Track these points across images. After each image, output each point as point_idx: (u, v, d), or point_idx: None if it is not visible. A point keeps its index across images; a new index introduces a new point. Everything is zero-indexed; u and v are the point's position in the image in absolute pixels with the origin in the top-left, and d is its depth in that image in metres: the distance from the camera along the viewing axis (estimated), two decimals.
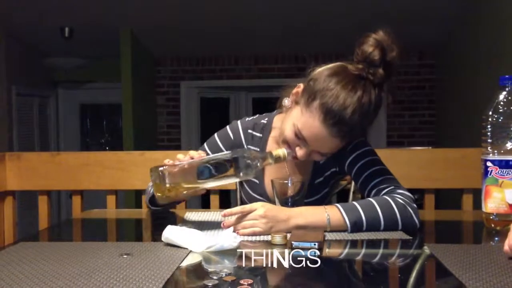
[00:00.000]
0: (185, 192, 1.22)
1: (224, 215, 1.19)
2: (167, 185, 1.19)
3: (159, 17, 4.50)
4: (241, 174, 1.17)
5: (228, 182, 1.24)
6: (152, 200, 1.47)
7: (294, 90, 1.34)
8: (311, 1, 4.15)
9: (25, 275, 0.86)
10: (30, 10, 4.28)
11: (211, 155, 1.24)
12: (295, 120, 1.27)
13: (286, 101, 1.36)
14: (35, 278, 0.84)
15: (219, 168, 1.19)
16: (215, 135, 1.53)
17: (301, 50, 5.39)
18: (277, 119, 1.50)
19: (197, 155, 1.24)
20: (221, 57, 5.64)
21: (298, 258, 0.93)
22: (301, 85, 1.32)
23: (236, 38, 5.05)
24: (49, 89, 5.79)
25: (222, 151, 1.47)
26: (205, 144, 1.53)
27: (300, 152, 1.29)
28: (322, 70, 1.29)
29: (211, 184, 1.23)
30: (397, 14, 4.29)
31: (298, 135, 1.27)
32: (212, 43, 5.19)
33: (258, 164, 1.19)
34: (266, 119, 1.52)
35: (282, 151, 1.23)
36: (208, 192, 1.79)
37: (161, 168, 1.20)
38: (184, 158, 1.24)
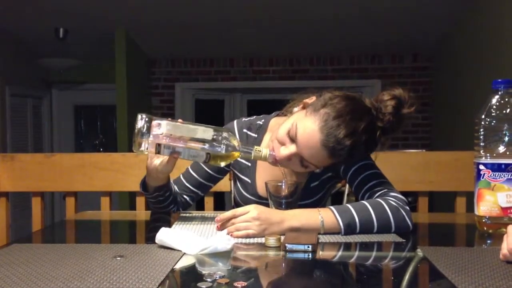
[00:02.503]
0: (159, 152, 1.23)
1: (217, 221, 1.19)
2: (144, 140, 1.20)
3: (154, 18, 4.50)
4: (217, 149, 1.19)
5: (201, 151, 1.22)
6: (144, 185, 1.47)
7: (305, 99, 1.35)
8: (305, 4, 4.15)
9: (18, 277, 0.86)
10: (25, 10, 4.27)
11: (197, 127, 1.23)
12: (296, 120, 1.28)
13: (295, 109, 1.37)
14: (28, 280, 0.84)
15: (202, 133, 1.20)
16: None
17: (296, 52, 5.41)
18: (274, 122, 1.51)
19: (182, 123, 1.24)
20: (216, 59, 5.65)
21: (292, 260, 0.93)
22: (314, 97, 1.34)
23: (231, 40, 5.05)
24: (43, 90, 5.77)
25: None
26: None
27: (284, 151, 1.28)
28: (339, 93, 1.31)
29: (188, 153, 1.22)
30: (391, 17, 4.32)
31: (291, 134, 1.27)
32: (207, 45, 5.20)
33: (238, 151, 1.21)
34: (263, 120, 1.53)
35: (265, 149, 1.24)
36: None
37: (146, 119, 1.21)
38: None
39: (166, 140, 1.21)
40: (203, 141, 1.21)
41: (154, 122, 1.22)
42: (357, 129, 1.23)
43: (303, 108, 1.33)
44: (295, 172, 1.46)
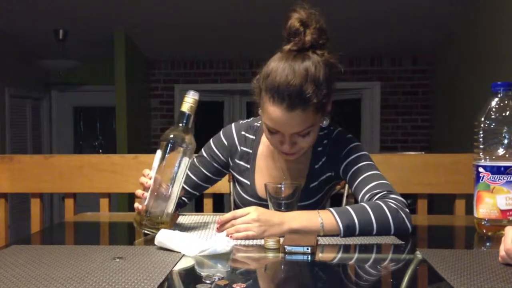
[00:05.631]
0: (168, 212, 1.22)
1: (218, 223, 1.20)
2: (148, 222, 1.19)
3: (153, 20, 4.50)
4: (183, 146, 1.20)
5: (185, 167, 1.22)
6: None
7: (255, 96, 1.36)
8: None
9: (17, 278, 0.86)
10: (24, 12, 4.27)
11: (154, 165, 1.21)
12: (262, 119, 1.31)
13: (260, 111, 1.37)
14: (27, 282, 0.84)
15: (171, 167, 1.20)
16: (211, 141, 1.55)
17: None
18: None
19: (146, 180, 1.22)
20: (216, 61, 5.65)
21: (291, 262, 0.93)
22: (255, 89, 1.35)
23: (231, 42, 5.05)
24: (42, 91, 5.77)
25: (219, 156, 1.52)
26: (202, 151, 1.55)
27: (285, 147, 1.30)
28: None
29: (176, 186, 1.21)
30: (390, 20, 4.32)
31: (271, 131, 1.29)
32: (206, 47, 5.20)
33: (184, 129, 1.22)
34: (260, 121, 1.53)
35: (188, 97, 1.22)
36: (202, 195, 1.79)
37: (138, 217, 1.20)
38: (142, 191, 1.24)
39: (158, 201, 1.20)
40: (163, 159, 1.20)
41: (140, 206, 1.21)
42: (292, 69, 1.23)
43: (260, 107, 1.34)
44: (295, 174, 1.46)
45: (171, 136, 1.21)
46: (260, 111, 1.34)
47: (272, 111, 1.25)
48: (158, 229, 1.10)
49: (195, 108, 1.24)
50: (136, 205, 1.22)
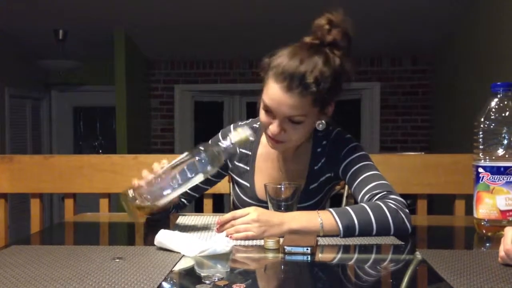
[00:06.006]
0: (159, 205, 1.23)
1: (217, 223, 1.20)
2: (136, 203, 1.20)
3: (153, 20, 4.50)
4: (208, 168, 1.19)
5: (197, 181, 1.22)
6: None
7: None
8: (305, 6, 4.16)
9: (16, 278, 0.86)
10: (24, 12, 4.27)
11: (173, 161, 1.22)
12: (262, 97, 1.32)
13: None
14: (27, 282, 0.84)
15: (186, 171, 1.19)
16: (209, 142, 1.54)
17: None
18: None
19: (159, 167, 1.24)
20: (216, 61, 5.65)
21: (291, 263, 0.93)
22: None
23: (231, 42, 5.05)
24: (42, 91, 5.77)
25: None
26: None
27: (273, 127, 1.29)
28: None
29: (180, 190, 1.22)
30: (390, 20, 4.32)
31: (265, 109, 1.30)
32: (206, 47, 5.20)
33: (222, 153, 1.20)
34: (259, 122, 1.53)
35: (242, 133, 1.23)
36: (202, 196, 1.79)
37: (129, 192, 1.21)
38: (148, 175, 1.24)
39: (154, 188, 1.21)
40: (183, 162, 1.20)
41: (137, 185, 1.22)
42: (304, 56, 1.25)
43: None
44: (294, 175, 1.46)
45: (203, 148, 1.20)
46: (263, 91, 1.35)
47: (271, 87, 1.27)
48: (131, 210, 1.15)
49: (241, 143, 1.24)
50: (135, 181, 1.24)
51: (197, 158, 1.19)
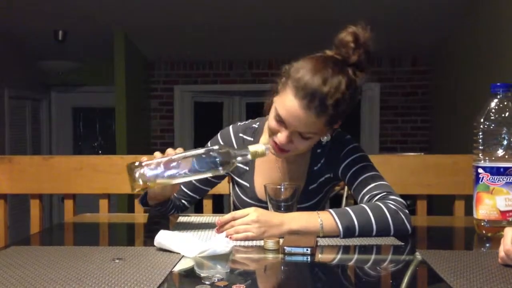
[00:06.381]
0: (159, 185, 1.26)
1: (217, 224, 1.20)
2: (141, 183, 1.22)
3: (153, 20, 4.50)
4: (218, 169, 1.20)
5: (202, 176, 1.27)
6: (143, 199, 1.48)
7: (275, 84, 1.35)
8: (305, 8, 4.16)
9: (16, 279, 0.86)
10: (24, 12, 4.27)
11: (187, 152, 1.25)
12: (275, 103, 1.30)
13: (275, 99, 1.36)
14: (26, 283, 0.84)
15: (195, 163, 1.22)
16: (209, 144, 1.54)
17: (296, 55, 5.40)
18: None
19: (173, 152, 1.26)
20: (216, 62, 5.65)
21: (291, 263, 0.93)
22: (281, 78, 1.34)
23: (231, 42, 5.05)
24: (42, 92, 5.77)
25: None
26: None
27: (281, 136, 1.28)
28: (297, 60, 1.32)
29: (186, 179, 1.25)
30: (390, 21, 4.32)
31: (277, 118, 1.28)
32: (206, 48, 5.20)
33: (235, 160, 1.21)
34: (258, 123, 1.53)
35: (259, 147, 1.23)
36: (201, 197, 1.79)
37: (136, 164, 1.23)
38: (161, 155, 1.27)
39: (160, 168, 1.22)
40: (196, 156, 1.22)
41: (146, 161, 1.24)
42: (327, 75, 1.22)
43: (276, 92, 1.34)
44: (294, 175, 1.45)
45: (219, 150, 1.21)
46: (274, 96, 1.34)
47: (290, 100, 1.24)
48: (130, 180, 1.19)
49: (256, 157, 1.25)
50: (144, 158, 1.27)
51: (211, 156, 1.20)
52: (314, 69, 1.24)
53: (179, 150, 1.27)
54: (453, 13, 4.13)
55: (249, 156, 1.23)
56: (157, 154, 1.28)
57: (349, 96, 1.25)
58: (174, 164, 1.22)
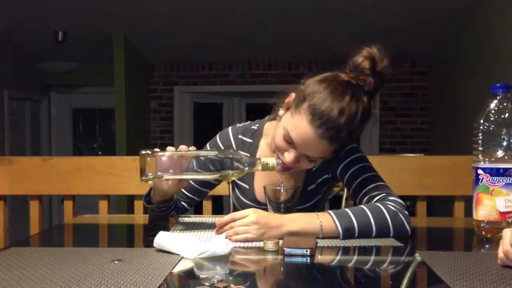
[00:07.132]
0: (167, 180, 1.28)
1: (217, 225, 1.20)
2: (150, 176, 1.22)
3: (153, 22, 4.50)
4: (230, 173, 1.22)
5: (211, 177, 1.28)
6: (148, 198, 1.48)
7: (286, 100, 1.34)
8: (304, 10, 4.16)
9: (15, 280, 0.86)
10: (24, 13, 4.27)
11: (199, 151, 1.27)
12: (285, 123, 1.28)
13: (281, 111, 1.36)
14: (26, 284, 0.84)
15: (205, 164, 1.26)
16: (207, 145, 1.55)
17: (295, 56, 5.41)
18: (268, 126, 1.51)
19: (186, 149, 1.26)
20: (215, 63, 5.65)
21: (290, 264, 0.93)
22: (293, 95, 1.33)
23: (230, 44, 5.06)
24: (41, 93, 5.77)
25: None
26: None
27: (288, 156, 1.27)
28: (313, 78, 1.30)
29: (194, 177, 1.28)
30: (390, 22, 4.33)
31: (287, 139, 1.27)
32: (206, 49, 5.20)
33: (246, 168, 1.23)
34: (257, 125, 1.53)
35: (271, 160, 1.24)
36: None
37: (149, 152, 1.23)
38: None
39: (171, 163, 1.23)
40: (208, 156, 1.26)
41: (159, 152, 1.24)
42: (345, 105, 1.21)
43: (287, 109, 1.32)
44: (292, 176, 1.45)
45: (232, 155, 1.22)
46: (282, 112, 1.34)
47: (304, 127, 1.22)
48: (144, 171, 1.20)
49: (265, 169, 1.25)
50: (157, 149, 1.26)
51: (225, 160, 1.22)
52: (332, 97, 1.21)
53: (192, 148, 1.28)
54: (453, 14, 4.14)
55: (259, 167, 1.24)
56: (170, 148, 1.27)
57: (361, 124, 1.25)
58: (186, 160, 1.23)
